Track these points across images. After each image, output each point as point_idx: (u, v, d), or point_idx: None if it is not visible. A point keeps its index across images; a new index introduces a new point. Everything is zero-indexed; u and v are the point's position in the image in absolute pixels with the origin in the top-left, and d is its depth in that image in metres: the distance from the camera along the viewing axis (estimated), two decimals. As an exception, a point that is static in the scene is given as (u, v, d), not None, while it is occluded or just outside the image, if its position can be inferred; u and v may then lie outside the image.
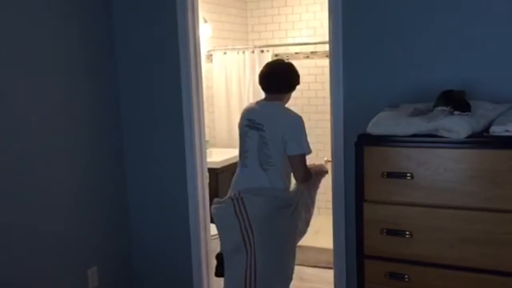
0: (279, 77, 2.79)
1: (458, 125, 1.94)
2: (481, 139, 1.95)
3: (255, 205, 2.65)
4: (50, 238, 2.83)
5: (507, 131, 1.90)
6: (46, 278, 2.81)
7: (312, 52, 5.08)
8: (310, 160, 5.43)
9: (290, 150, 2.68)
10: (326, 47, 2.87)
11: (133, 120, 3.29)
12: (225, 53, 4.77)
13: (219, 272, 2.87)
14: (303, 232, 2.94)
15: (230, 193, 2.88)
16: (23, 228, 2.68)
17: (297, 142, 2.67)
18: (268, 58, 4.61)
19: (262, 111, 2.77)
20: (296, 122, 2.72)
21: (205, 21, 4.45)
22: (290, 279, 2.80)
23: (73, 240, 2.98)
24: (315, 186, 2.98)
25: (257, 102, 2.85)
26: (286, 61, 2.96)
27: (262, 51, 4.70)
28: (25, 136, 2.69)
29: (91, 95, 3.09)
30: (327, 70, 2.83)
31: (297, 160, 2.70)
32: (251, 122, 2.76)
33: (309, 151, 2.73)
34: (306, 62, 5.12)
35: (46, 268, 2.81)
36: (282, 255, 2.73)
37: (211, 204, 3.26)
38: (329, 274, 2.89)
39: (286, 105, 2.84)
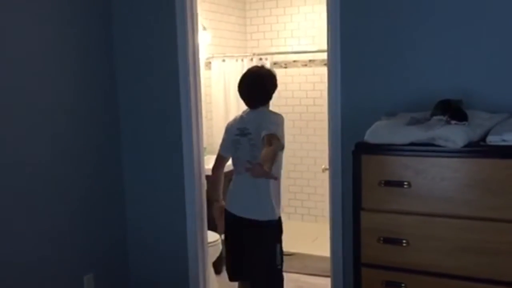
0: (254, 96, 2.87)
1: (455, 135, 1.95)
2: (477, 149, 1.95)
3: None
4: (46, 244, 2.82)
5: (503, 140, 1.91)
6: (42, 284, 2.80)
7: (310, 60, 5.11)
8: (308, 167, 5.46)
9: (262, 133, 2.63)
10: (324, 56, 2.89)
11: (132, 126, 3.29)
12: (223, 60, 4.79)
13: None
14: None
15: (227, 201, 2.90)
16: (19, 234, 2.67)
17: (268, 128, 2.64)
18: (266, 66, 4.62)
19: (248, 118, 2.85)
20: (276, 117, 2.78)
21: (204, 28, 4.46)
22: None
23: (69, 247, 2.97)
24: None
25: (243, 112, 2.94)
26: (258, 71, 2.95)
27: (260, 59, 4.71)
28: (23, 140, 2.69)
29: (90, 102, 3.09)
30: (325, 78, 2.84)
31: (268, 137, 2.58)
32: (240, 131, 2.84)
33: (282, 145, 2.69)
34: (304, 70, 5.14)
35: (42, 274, 2.80)
36: None
37: (208, 211, 3.27)
38: (326, 282, 2.89)
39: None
